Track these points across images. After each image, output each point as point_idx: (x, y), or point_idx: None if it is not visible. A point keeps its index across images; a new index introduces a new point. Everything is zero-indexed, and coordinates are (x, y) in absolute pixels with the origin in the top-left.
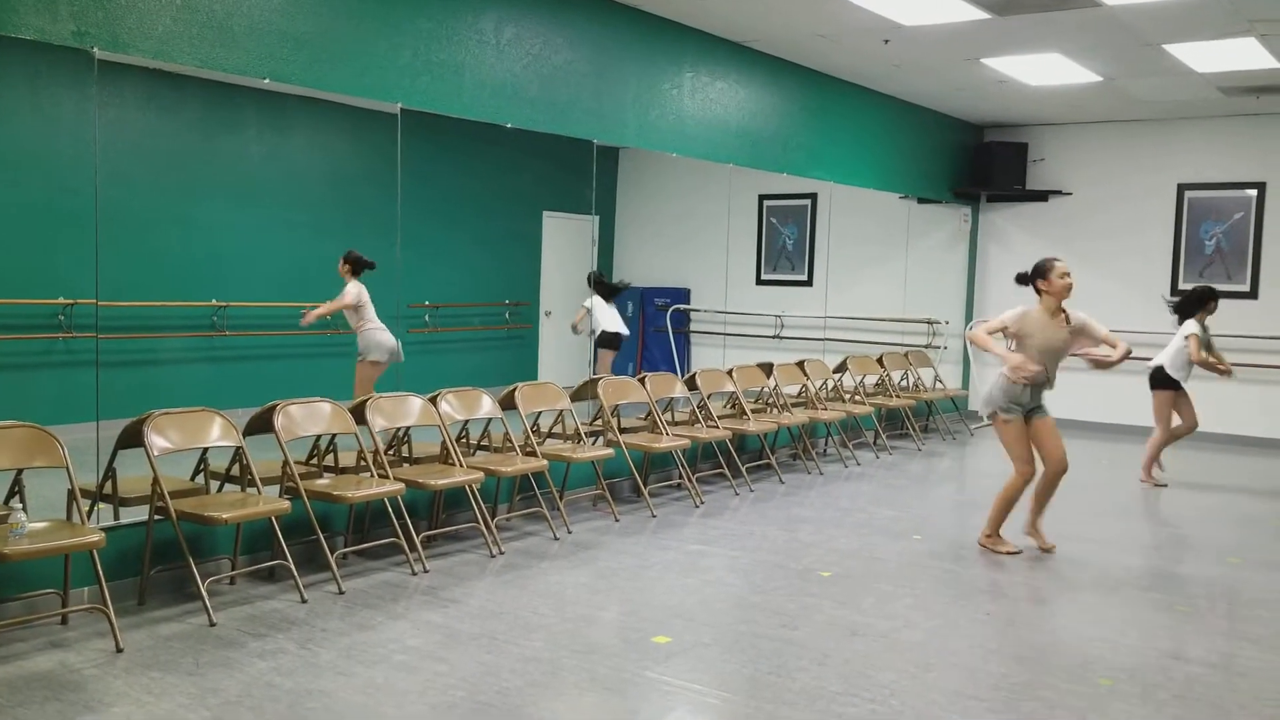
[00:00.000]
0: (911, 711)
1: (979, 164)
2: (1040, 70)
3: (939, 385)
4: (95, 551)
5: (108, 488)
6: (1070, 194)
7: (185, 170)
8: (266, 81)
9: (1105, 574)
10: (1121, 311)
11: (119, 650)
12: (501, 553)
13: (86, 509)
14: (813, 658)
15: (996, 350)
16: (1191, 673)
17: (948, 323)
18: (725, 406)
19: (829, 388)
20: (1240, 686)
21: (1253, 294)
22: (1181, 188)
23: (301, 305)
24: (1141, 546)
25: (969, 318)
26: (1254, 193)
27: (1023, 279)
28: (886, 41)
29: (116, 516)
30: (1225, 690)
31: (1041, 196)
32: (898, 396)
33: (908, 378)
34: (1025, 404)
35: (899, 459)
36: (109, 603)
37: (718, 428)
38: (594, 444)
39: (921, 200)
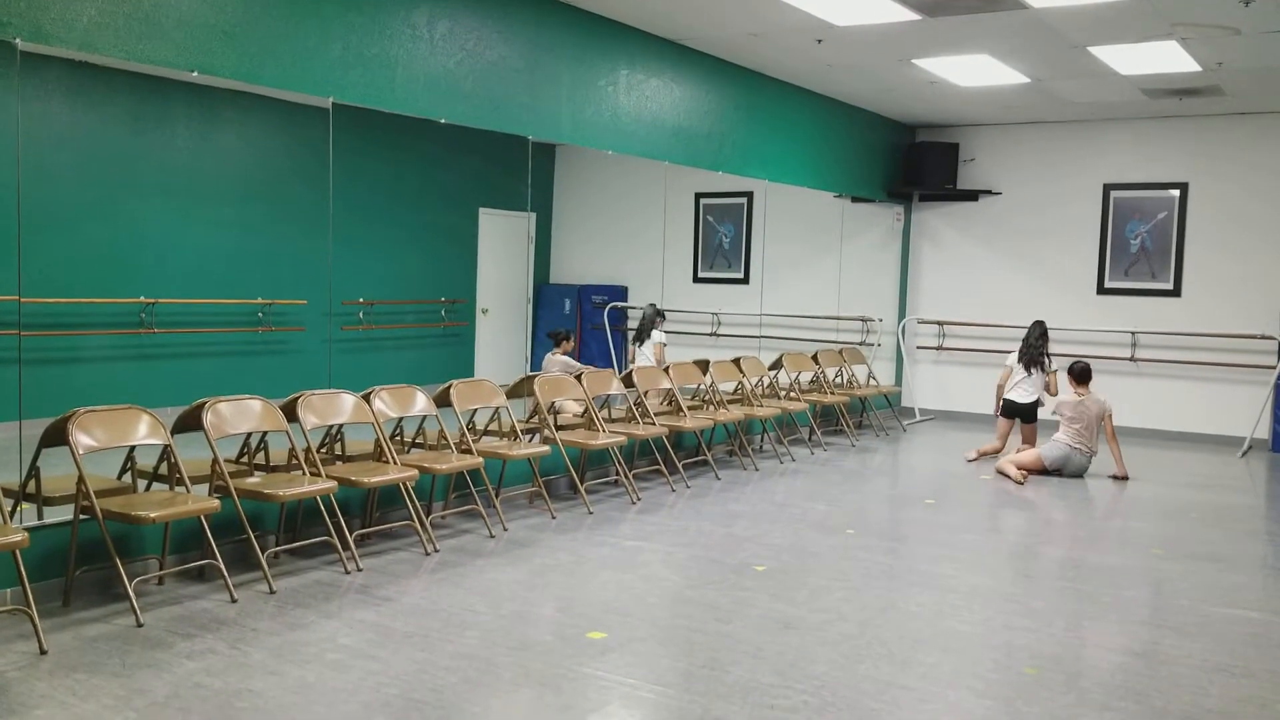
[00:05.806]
0: (842, 702)
1: (911, 164)
2: (970, 71)
3: (873, 382)
4: (18, 552)
5: (31, 487)
6: (1000, 193)
7: (112, 164)
8: (195, 75)
9: (1033, 565)
10: (1049, 309)
11: (43, 652)
12: (436, 550)
13: (9, 509)
14: (746, 651)
15: None
16: (1115, 661)
17: (882, 320)
18: (662, 403)
19: (765, 384)
20: (1161, 674)
21: (1176, 292)
22: (1107, 188)
23: (232, 301)
24: (1070, 539)
25: (902, 315)
26: (1177, 193)
27: None
28: (819, 41)
29: (40, 516)
30: (1147, 678)
31: (972, 196)
32: (832, 393)
33: (842, 374)
34: None
35: (833, 455)
36: (32, 604)
37: (654, 425)
38: (530, 441)
39: (855, 199)
